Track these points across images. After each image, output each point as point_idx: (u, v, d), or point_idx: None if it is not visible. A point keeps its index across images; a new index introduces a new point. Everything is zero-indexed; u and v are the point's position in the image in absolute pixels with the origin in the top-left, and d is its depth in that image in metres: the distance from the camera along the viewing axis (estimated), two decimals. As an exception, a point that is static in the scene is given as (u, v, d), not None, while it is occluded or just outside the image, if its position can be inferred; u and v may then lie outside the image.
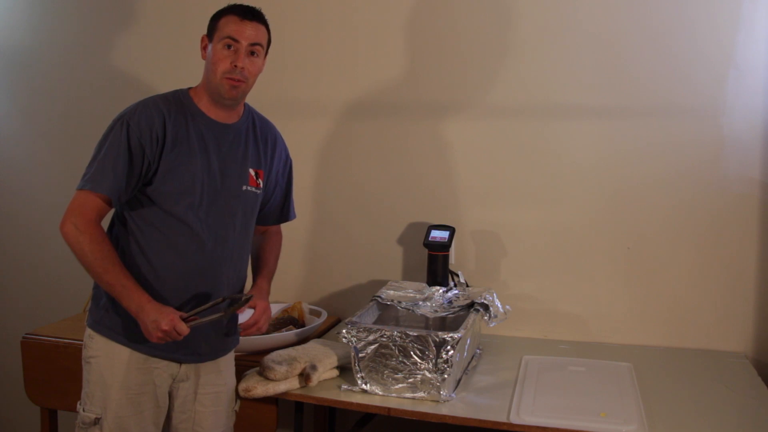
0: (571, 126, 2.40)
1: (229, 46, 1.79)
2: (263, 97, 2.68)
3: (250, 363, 2.09)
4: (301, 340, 2.28)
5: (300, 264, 2.74)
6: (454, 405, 1.86)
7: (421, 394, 1.88)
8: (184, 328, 1.69)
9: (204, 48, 1.86)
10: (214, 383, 1.92)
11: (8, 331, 3.05)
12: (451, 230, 2.38)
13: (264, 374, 1.96)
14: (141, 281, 1.75)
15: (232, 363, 2.00)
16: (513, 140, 2.46)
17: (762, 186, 2.26)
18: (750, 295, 2.30)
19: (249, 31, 1.80)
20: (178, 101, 1.84)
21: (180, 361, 1.85)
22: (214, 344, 1.90)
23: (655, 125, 2.33)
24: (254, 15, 1.83)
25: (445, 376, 1.85)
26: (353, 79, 2.60)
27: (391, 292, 2.28)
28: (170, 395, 1.88)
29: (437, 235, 2.37)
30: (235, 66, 1.78)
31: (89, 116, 2.87)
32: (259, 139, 1.95)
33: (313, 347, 2.10)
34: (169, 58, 2.79)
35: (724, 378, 2.07)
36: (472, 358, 2.18)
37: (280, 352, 2.05)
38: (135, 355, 1.80)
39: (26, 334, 2.39)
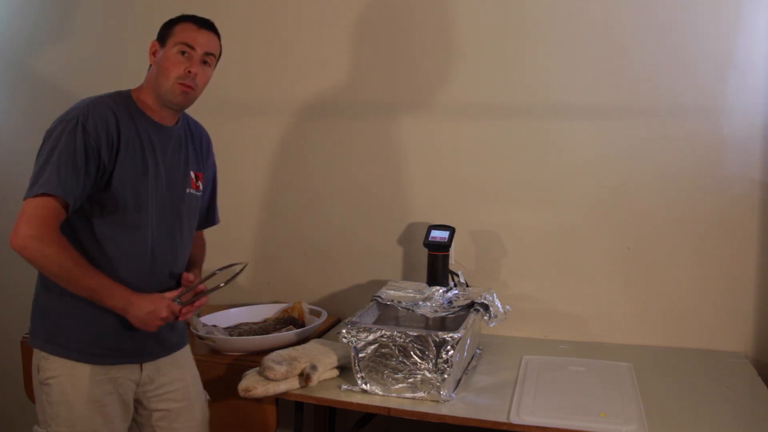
0: (571, 126, 2.40)
1: (183, 53, 1.79)
2: (263, 97, 2.71)
3: (250, 363, 2.09)
4: (301, 340, 2.28)
5: (300, 264, 2.74)
6: (454, 405, 1.86)
7: (421, 394, 1.88)
8: (178, 308, 1.75)
9: (154, 53, 1.84)
10: (179, 378, 1.94)
11: (8, 331, 3.04)
12: (451, 230, 2.38)
13: (264, 374, 1.96)
14: (84, 303, 1.74)
15: (190, 355, 2.03)
16: (513, 140, 2.46)
17: (762, 186, 2.26)
18: (750, 295, 2.30)
19: (204, 40, 1.82)
20: (125, 102, 1.81)
21: (139, 362, 1.85)
22: (168, 340, 1.91)
23: (655, 125, 2.33)
24: (210, 25, 1.86)
25: (445, 376, 1.85)
26: (353, 78, 2.60)
27: (391, 292, 2.28)
28: (139, 401, 1.89)
29: (437, 235, 2.37)
30: (189, 72, 1.78)
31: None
32: (196, 142, 1.96)
33: (313, 347, 2.10)
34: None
35: (724, 378, 2.07)
36: (472, 358, 2.18)
37: (280, 352, 2.04)
38: (96, 368, 1.77)
39: (26, 334, 2.39)
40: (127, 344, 1.81)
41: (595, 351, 2.30)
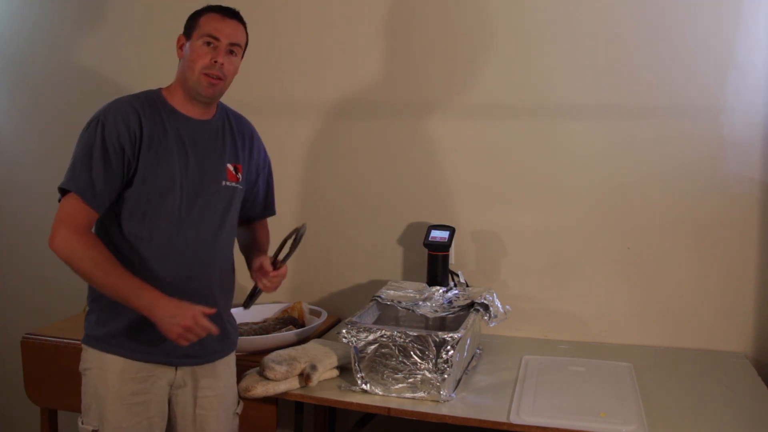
0: (571, 125, 2.40)
1: (208, 44, 1.78)
2: (263, 97, 2.71)
3: (250, 363, 2.09)
4: (301, 340, 2.28)
5: (300, 264, 2.73)
6: (454, 405, 1.86)
7: (421, 394, 1.88)
8: (207, 324, 1.66)
9: (181, 47, 1.84)
10: (213, 387, 1.89)
11: (8, 331, 3.04)
12: (451, 230, 2.38)
13: (264, 374, 1.96)
14: None
15: (231, 365, 1.97)
16: (513, 140, 2.46)
17: (762, 186, 2.26)
18: (750, 295, 2.30)
19: (229, 30, 1.80)
20: (151, 100, 1.82)
21: (174, 365, 1.82)
22: (209, 346, 1.86)
23: (655, 125, 2.33)
24: (234, 14, 1.84)
25: (445, 376, 1.85)
26: (354, 78, 2.60)
27: (391, 292, 2.28)
28: (170, 402, 1.86)
29: (437, 235, 2.37)
30: (215, 62, 1.77)
31: (90, 115, 2.86)
32: (236, 134, 1.94)
33: (313, 347, 2.10)
34: (168, 58, 2.79)
35: (724, 378, 2.07)
36: (472, 358, 2.18)
37: (280, 352, 2.05)
38: (128, 364, 1.76)
39: (26, 334, 2.39)
40: (166, 345, 1.76)
41: (595, 351, 2.30)
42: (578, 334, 2.43)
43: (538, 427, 1.73)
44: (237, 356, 2.22)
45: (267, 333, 2.33)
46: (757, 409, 1.87)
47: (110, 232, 1.77)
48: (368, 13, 2.56)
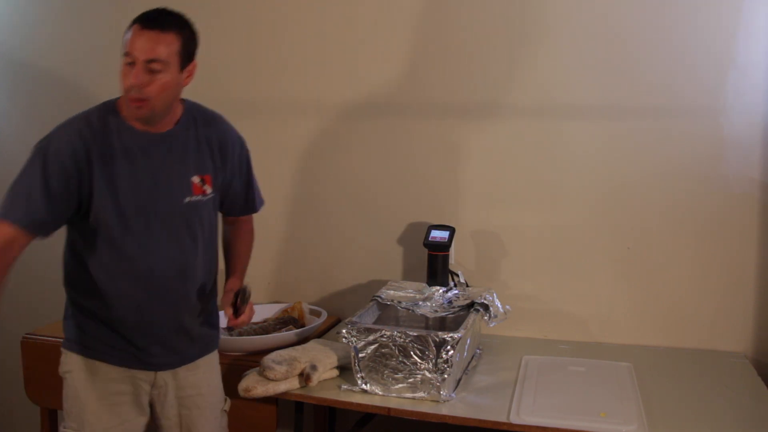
0: (571, 126, 2.40)
1: (130, 63, 1.62)
2: (263, 97, 2.71)
3: (250, 363, 2.09)
4: (301, 340, 2.28)
5: (300, 264, 2.74)
6: (454, 405, 1.86)
7: (421, 394, 1.88)
8: None
9: None
10: (196, 386, 1.88)
11: (8, 331, 3.04)
12: (451, 230, 2.38)
13: (264, 374, 1.96)
14: (101, 308, 1.74)
15: (214, 363, 1.96)
16: (513, 140, 2.46)
17: (762, 186, 2.26)
18: (750, 295, 2.30)
19: (144, 44, 1.60)
20: (104, 118, 1.69)
21: (153, 370, 1.82)
22: (185, 352, 1.85)
23: (655, 125, 2.33)
24: (156, 22, 1.63)
25: (445, 376, 1.85)
26: (354, 78, 2.60)
27: (391, 292, 2.28)
28: (154, 402, 1.86)
29: (437, 235, 2.37)
30: (131, 84, 1.61)
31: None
32: (203, 141, 1.80)
33: (313, 347, 2.10)
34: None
35: (724, 378, 2.07)
36: (472, 358, 2.18)
37: (280, 352, 2.05)
38: (108, 367, 1.77)
39: (26, 334, 2.40)
40: (140, 354, 1.78)
41: (595, 351, 2.30)
42: (578, 334, 2.43)
43: (538, 427, 1.73)
44: (237, 356, 2.23)
45: (267, 333, 2.33)
46: (757, 409, 1.87)
47: (77, 249, 1.75)
48: (368, 13, 2.56)
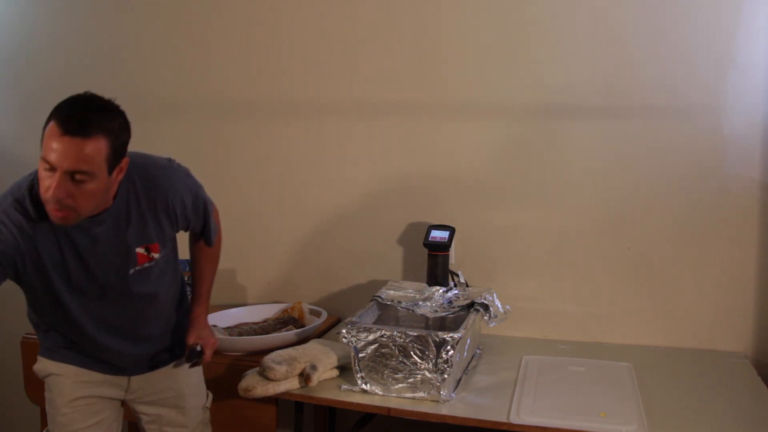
0: (571, 126, 2.40)
1: (48, 169, 1.44)
2: (262, 97, 2.71)
3: (250, 363, 2.09)
4: (301, 340, 2.28)
5: (300, 264, 2.74)
6: (454, 405, 1.86)
7: (421, 394, 1.88)
8: None
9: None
10: (171, 387, 1.89)
11: (8, 331, 3.04)
12: (451, 230, 2.38)
13: (264, 374, 1.96)
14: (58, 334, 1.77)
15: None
16: (513, 140, 2.46)
17: (762, 186, 2.26)
18: (750, 295, 2.30)
19: (65, 152, 1.40)
20: (35, 203, 1.55)
21: (126, 375, 1.84)
22: (150, 363, 1.87)
23: (655, 125, 2.33)
24: (81, 127, 1.41)
25: (445, 376, 1.85)
26: (353, 78, 2.59)
27: (391, 292, 2.28)
28: (129, 405, 1.89)
29: (437, 235, 2.37)
30: (50, 194, 1.44)
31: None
32: (144, 210, 1.68)
33: (313, 347, 2.10)
34: (167, 58, 2.79)
35: (724, 378, 2.07)
36: (472, 358, 2.18)
37: (280, 352, 2.04)
38: (81, 371, 1.78)
39: (26, 334, 2.39)
40: (107, 367, 1.81)
41: (595, 351, 2.30)
42: (578, 334, 2.43)
43: (538, 427, 1.73)
44: (237, 356, 2.23)
45: (267, 333, 2.33)
46: (757, 409, 1.87)
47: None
48: (367, 13, 2.55)
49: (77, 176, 1.43)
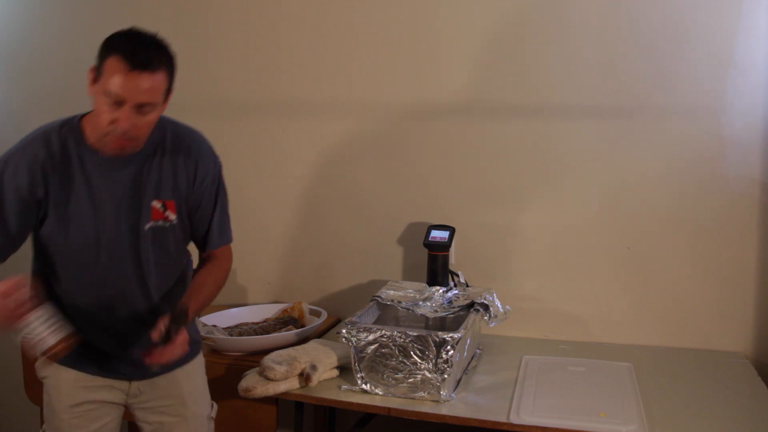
0: (571, 126, 2.40)
1: (113, 102, 1.51)
2: (262, 97, 2.71)
3: (250, 363, 2.09)
4: (301, 340, 2.28)
5: (300, 264, 2.74)
6: (454, 405, 1.86)
7: (421, 394, 1.88)
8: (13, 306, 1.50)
9: (91, 82, 1.57)
10: (174, 395, 1.82)
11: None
12: (451, 230, 2.38)
13: (264, 374, 1.96)
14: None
15: (195, 371, 1.89)
16: (513, 140, 2.46)
17: (762, 186, 2.26)
18: (749, 295, 2.30)
19: (137, 87, 1.50)
20: (63, 142, 1.62)
21: (127, 379, 1.78)
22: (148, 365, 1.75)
23: (654, 125, 2.33)
24: (148, 62, 1.51)
25: (445, 376, 1.85)
26: (353, 79, 2.60)
27: (391, 292, 2.28)
28: (132, 409, 1.83)
29: (437, 235, 2.37)
30: (119, 126, 1.53)
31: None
32: (168, 165, 1.71)
33: (313, 347, 2.10)
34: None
35: (724, 378, 2.07)
36: (472, 358, 2.18)
37: (280, 352, 2.05)
38: (81, 375, 1.74)
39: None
40: (109, 365, 1.75)
41: (595, 351, 2.30)
42: (578, 334, 2.43)
43: (538, 427, 1.73)
44: (237, 356, 2.22)
45: (267, 333, 2.33)
46: (757, 409, 1.87)
47: (41, 268, 1.73)
48: (366, 14, 2.56)
49: (143, 108, 1.53)
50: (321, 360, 2.01)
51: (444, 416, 1.81)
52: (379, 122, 2.59)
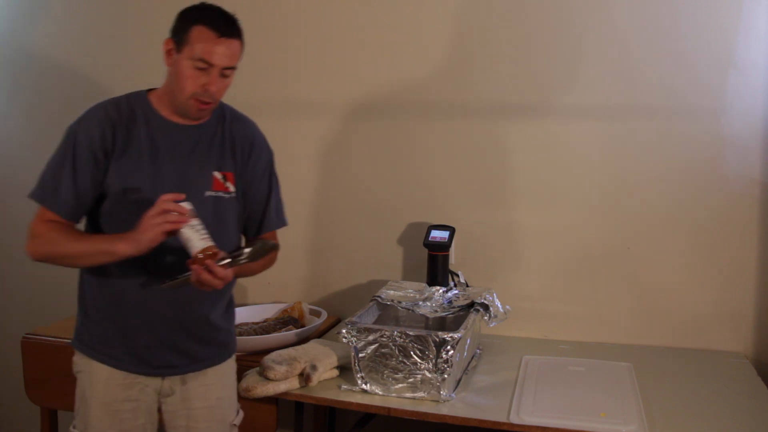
0: (571, 126, 2.40)
1: (201, 68, 1.65)
2: (264, 96, 2.70)
3: (250, 363, 2.09)
4: (301, 340, 2.28)
5: (300, 264, 2.74)
6: (454, 405, 1.86)
7: (421, 394, 1.88)
8: (171, 204, 1.56)
9: (169, 53, 1.69)
10: (204, 398, 1.83)
11: (8, 331, 3.05)
12: (451, 230, 2.38)
13: (264, 374, 1.96)
14: (108, 301, 1.73)
15: (227, 375, 1.90)
16: (513, 140, 2.46)
17: (762, 186, 2.26)
18: (750, 295, 2.30)
19: (223, 51, 1.65)
20: (131, 106, 1.73)
21: (160, 375, 1.79)
22: (194, 354, 1.80)
23: (655, 125, 2.33)
24: (231, 30, 1.67)
25: (445, 376, 1.85)
26: (354, 79, 2.60)
27: (391, 292, 2.28)
28: (162, 411, 1.83)
29: (437, 235, 2.37)
30: (207, 89, 1.66)
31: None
32: (228, 139, 1.81)
33: (313, 347, 2.10)
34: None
35: (724, 378, 2.07)
36: (472, 358, 2.18)
37: (280, 352, 2.05)
38: (114, 372, 1.74)
39: (26, 334, 2.40)
40: (147, 354, 1.75)
41: (595, 351, 2.30)
42: (578, 334, 2.43)
43: (538, 427, 1.73)
44: (237, 356, 2.21)
45: (267, 333, 2.33)
46: (757, 409, 1.87)
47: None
48: (368, 14, 2.56)
49: (226, 71, 1.68)
50: (321, 360, 2.01)
51: (444, 416, 1.81)
52: (379, 122, 2.59)
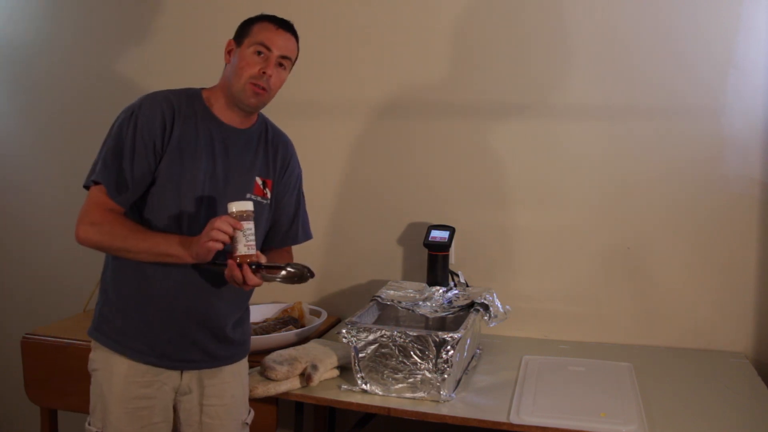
0: (571, 126, 2.40)
1: (259, 53, 1.75)
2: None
3: (251, 363, 2.09)
4: (301, 340, 2.28)
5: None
6: (454, 405, 1.87)
7: (421, 394, 1.88)
8: (224, 224, 1.59)
9: (229, 52, 1.81)
10: (220, 396, 1.85)
11: (8, 331, 3.05)
12: (451, 230, 2.38)
13: (265, 374, 1.96)
14: (134, 291, 1.74)
15: (241, 375, 1.91)
16: (513, 140, 2.46)
17: (761, 186, 2.26)
18: (750, 295, 2.30)
19: (282, 42, 1.77)
20: (189, 98, 1.79)
21: (179, 369, 1.79)
22: (213, 351, 1.82)
23: (655, 125, 2.33)
24: (289, 27, 1.81)
25: (445, 376, 1.85)
26: (354, 79, 2.60)
27: (391, 292, 2.28)
28: (175, 409, 1.83)
29: (437, 235, 2.37)
30: (263, 72, 1.74)
31: (89, 114, 2.87)
32: (270, 149, 1.89)
33: (314, 347, 2.10)
34: (166, 58, 2.80)
35: (724, 378, 2.07)
36: (472, 358, 2.18)
37: (281, 352, 2.05)
38: (134, 368, 1.75)
39: (26, 334, 2.39)
40: (168, 347, 1.76)
41: (595, 351, 2.30)
42: (578, 334, 2.43)
43: (538, 427, 1.73)
44: (237, 356, 2.22)
45: (267, 333, 2.33)
46: (757, 409, 1.87)
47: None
48: (371, 16, 2.56)
49: (284, 61, 1.78)
50: (322, 360, 2.01)
51: (444, 416, 1.81)
52: (379, 122, 2.59)
